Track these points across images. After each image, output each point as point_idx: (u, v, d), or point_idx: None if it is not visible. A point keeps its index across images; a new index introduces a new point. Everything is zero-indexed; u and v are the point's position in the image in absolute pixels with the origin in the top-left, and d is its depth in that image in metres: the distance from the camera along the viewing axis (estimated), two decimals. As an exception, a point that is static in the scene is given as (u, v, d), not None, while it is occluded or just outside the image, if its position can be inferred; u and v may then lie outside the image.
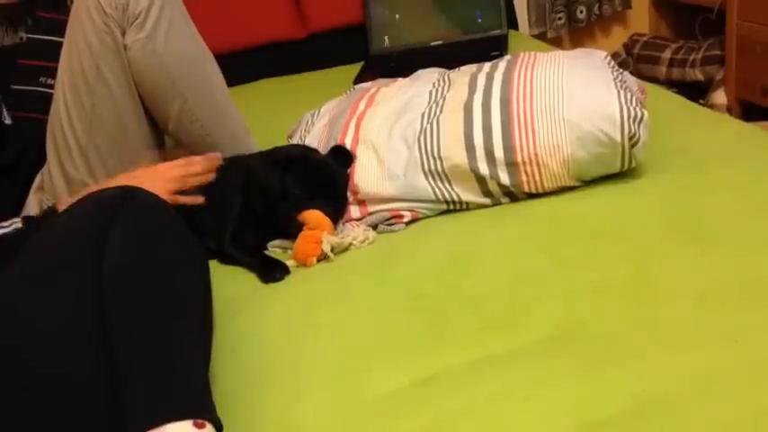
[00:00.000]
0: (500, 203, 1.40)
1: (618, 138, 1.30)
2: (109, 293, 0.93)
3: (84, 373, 0.92)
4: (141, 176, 1.35)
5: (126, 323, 0.91)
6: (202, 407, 0.88)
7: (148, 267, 0.96)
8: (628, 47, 3.14)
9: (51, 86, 1.75)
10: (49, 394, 0.91)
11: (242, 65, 2.48)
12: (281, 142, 1.72)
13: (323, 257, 1.32)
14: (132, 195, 1.01)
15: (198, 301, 1.00)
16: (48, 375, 0.92)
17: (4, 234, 1.22)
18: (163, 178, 1.37)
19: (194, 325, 0.97)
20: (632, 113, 1.30)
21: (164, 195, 1.21)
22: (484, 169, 1.35)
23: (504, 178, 1.35)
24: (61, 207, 1.36)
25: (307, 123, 1.73)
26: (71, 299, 0.94)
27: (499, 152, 1.34)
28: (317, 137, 1.61)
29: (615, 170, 1.36)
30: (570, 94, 1.35)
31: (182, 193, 1.39)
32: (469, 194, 1.39)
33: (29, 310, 0.95)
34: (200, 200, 1.41)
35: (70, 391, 0.91)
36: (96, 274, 0.94)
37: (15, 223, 1.24)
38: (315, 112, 1.76)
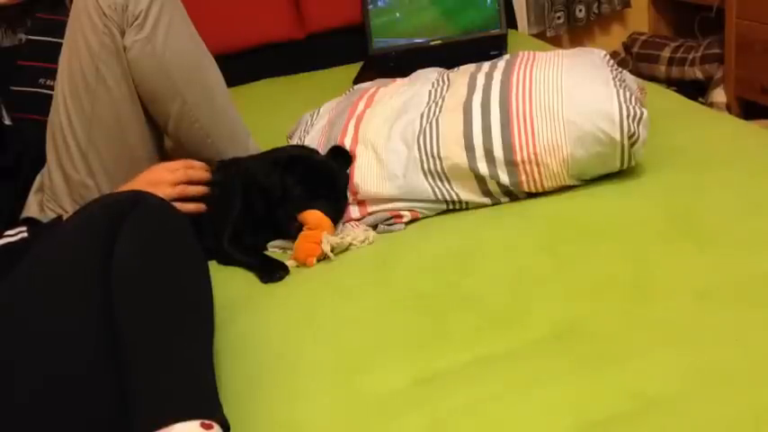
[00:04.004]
0: (500, 203, 1.40)
1: (617, 137, 1.30)
2: (117, 294, 0.93)
3: (92, 374, 0.92)
4: (141, 185, 1.35)
5: (134, 324, 0.92)
6: (210, 407, 0.88)
7: (156, 269, 0.97)
8: (627, 46, 3.14)
9: (51, 88, 1.75)
10: (57, 395, 0.92)
11: (242, 65, 2.48)
12: (281, 142, 1.72)
13: (323, 257, 1.32)
14: (141, 198, 1.02)
15: (203, 302, 1.01)
16: (57, 377, 0.93)
17: (10, 243, 1.22)
18: (164, 184, 1.36)
19: (201, 326, 0.97)
20: (631, 112, 1.30)
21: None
22: (483, 169, 1.35)
23: (504, 178, 1.35)
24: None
25: (306, 124, 1.73)
26: (79, 300, 0.95)
27: (498, 152, 1.34)
28: (316, 137, 1.61)
29: (615, 169, 1.36)
30: (569, 94, 1.36)
31: (185, 200, 1.39)
32: (469, 194, 1.39)
33: (37, 311, 0.96)
34: (202, 208, 1.40)
35: (79, 391, 0.92)
36: (105, 274, 0.94)
37: (21, 233, 1.24)
38: (314, 113, 1.76)
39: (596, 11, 3.14)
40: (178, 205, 1.30)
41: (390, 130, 1.46)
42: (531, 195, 1.38)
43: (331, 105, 1.74)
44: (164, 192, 1.33)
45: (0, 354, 0.95)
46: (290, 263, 1.34)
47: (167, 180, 1.37)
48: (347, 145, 1.49)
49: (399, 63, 2.32)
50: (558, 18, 3.09)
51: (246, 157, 1.52)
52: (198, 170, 1.42)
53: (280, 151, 1.49)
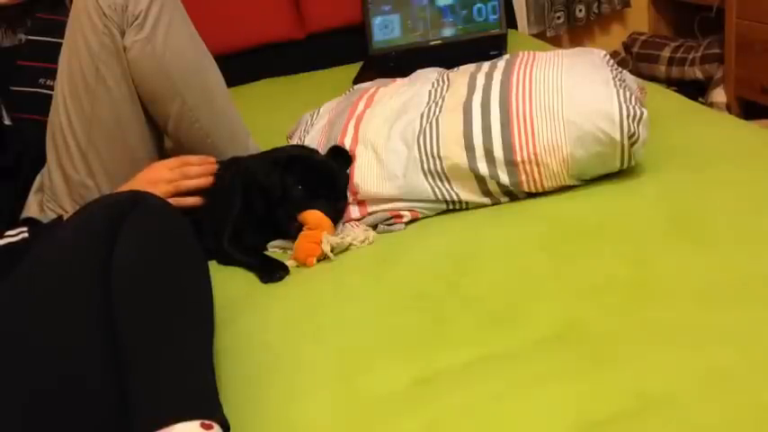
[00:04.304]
0: (500, 203, 1.40)
1: (617, 137, 1.30)
2: (117, 294, 0.93)
3: (92, 374, 0.92)
4: (140, 183, 1.35)
5: (134, 324, 0.92)
6: (210, 407, 0.88)
7: (156, 269, 0.97)
8: (627, 46, 3.14)
9: (51, 88, 1.75)
10: (58, 395, 0.92)
11: (242, 65, 2.49)
12: (281, 142, 1.72)
13: (323, 257, 1.32)
14: (141, 199, 1.02)
15: (203, 302, 1.01)
16: (57, 377, 0.92)
17: (11, 243, 1.22)
18: (163, 182, 1.36)
19: (201, 326, 0.97)
20: (631, 112, 1.30)
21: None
22: (483, 169, 1.35)
23: (504, 178, 1.35)
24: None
25: (306, 124, 1.73)
26: (80, 300, 0.95)
27: (498, 152, 1.34)
28: (316, 137, 1.61)
29: (615, 169, 1.36)
30: (569, 94, 1.35)
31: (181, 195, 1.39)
32: (469, 194, 1.39)
33: (37, 311, 0.96)
34: (199, 201, 1.41)
35: (79, 391, 0.92)
36: (105, 275, 0.94)
37: (23, 233, 1.24)
38: (314, 113, 1.76)
39: (596, 11, 3.14)
40: (173, 201, 1.31)
41: (390, 130, 1.46)
42: (531, 195, 1.38)
43: (331, 105, 1.74)
44: (163, 189, 1.34)
45: (0, 354, 0.95)
46: (290, 263, 1.34)
47: (166, 178, 1.37)
48: (347, 145, 1.49)
49: (399, 63, 2.32)
50: (558, 18, 3.10)
51: (246, 157, 1.52)
52: (195, 166, 1.42)
53: (280, 151, 1.49)
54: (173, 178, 1.38)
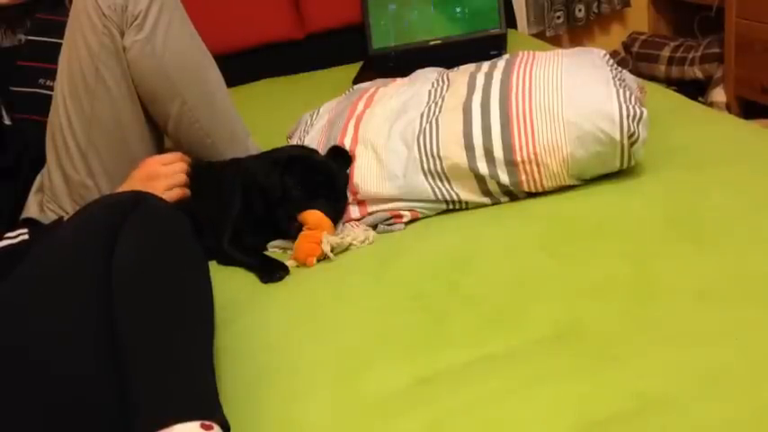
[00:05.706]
0: (500, 203, 1.40)
1: (617, 136, 1.30)
2: (117, 294, 0.93)
3: (92, 374, 0.92)
4: (138, 181, 1.34)
5: (134, 324, 0.92)
6: (210, 408, 0.88)
7: (157, 269, 0.97)
8: (627, 45, 3.14)
9: (51, 88, 1.75)
10: (58, 396, 0.92)
11: (241, 65, 2.49)
12: (281, 142, 1.72)
13: (323, 257, 1.32)
14: (142, 199, 1.02)
15: (203, 303, 1.01)
16: (57, 377, 0.92)
17: (11, 245, 1.22)
18: (161, 177, 1.36)
19: (201, 326, 0.97)
20: (631, 112, 1.30)
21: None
22: (483, 169, 1.35)
23: (504, 177, 1.35)
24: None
25: (306, 124, 1.73)
26: (80, 299, 0.95)
27: (498, 151, 1.34)
28: (316, 137, 1.61)
29: (614, 169, 1.36)
30: (569, 93, 1.35)
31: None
32: (469, 194, 1.39)
33: (37, 311, 0.96)
34: (186, 193, 1.39)
35: (79, 392, 0.92)
36: (105, 274, 0.94)
37: (22, 234, 1.24)
38: (314, 113, 1.76)
39: (596, 10, 3.14)
40: (166, 196, 1.30)
41: (390, 130, 1.46)
42: (531, 195, 1.38)
43: (331, 105, 1.74)
44: (162, 184, 1.33)
45: (0, 354, 0.95)
46: (290, 263, 1.34)
47: (163, 173, 1.37)
48: (347, 145, 1.49)
49: (399, 63, 2.32)
50: (558, 18, 3.10)
51: (246, 157, 1.52)
52: (183, 162, 1.42)
53: (279, 151, 1.49)
54: (169, 172, 1.38)
